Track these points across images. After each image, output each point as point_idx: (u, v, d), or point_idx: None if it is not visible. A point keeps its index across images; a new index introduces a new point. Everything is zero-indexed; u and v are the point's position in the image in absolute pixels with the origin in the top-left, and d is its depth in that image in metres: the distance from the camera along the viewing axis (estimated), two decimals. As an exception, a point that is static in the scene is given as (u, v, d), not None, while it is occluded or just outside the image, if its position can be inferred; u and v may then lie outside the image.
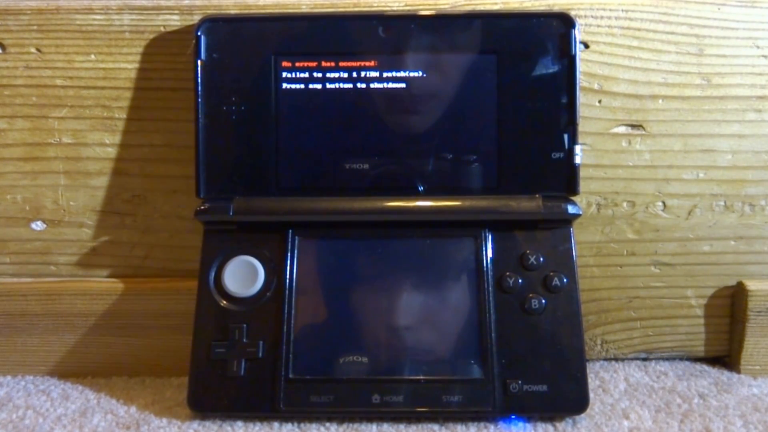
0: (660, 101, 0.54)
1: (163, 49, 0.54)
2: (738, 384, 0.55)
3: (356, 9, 0.54)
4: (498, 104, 0.51)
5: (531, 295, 0.50)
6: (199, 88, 0.52)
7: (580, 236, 0.56)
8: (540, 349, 0.49)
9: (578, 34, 0.51)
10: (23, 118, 0.55)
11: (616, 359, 0.58)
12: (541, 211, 0.50)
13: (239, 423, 0.49)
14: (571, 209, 0.50)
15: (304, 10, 0.54)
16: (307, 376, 0.49)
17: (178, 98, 0.54)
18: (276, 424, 0.48)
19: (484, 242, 0.51)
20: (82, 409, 0.51)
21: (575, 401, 0.48)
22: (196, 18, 0.53)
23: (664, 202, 0.56)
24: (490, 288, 0.50)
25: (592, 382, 0.54)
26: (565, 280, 0.50)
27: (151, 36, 0.54)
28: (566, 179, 0.51)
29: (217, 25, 0.52)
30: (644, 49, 0.54)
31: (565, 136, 0.51)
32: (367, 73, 0.52)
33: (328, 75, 0.52)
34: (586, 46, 0.54)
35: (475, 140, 0.52)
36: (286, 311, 0.50)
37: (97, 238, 0.57)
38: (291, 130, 0.52)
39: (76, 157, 0.56)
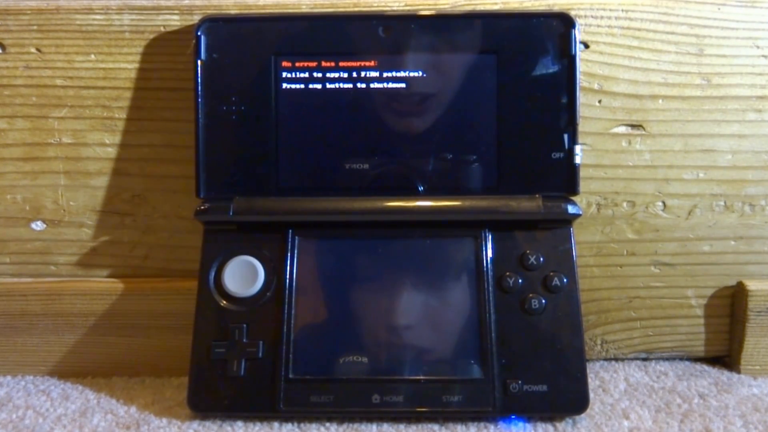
0: (660, 101, 0.55)
1: (163, 49, 0.54)
2: (738, 384, 0.55)
3: (356, 9, 0.54)
4: (498, 104, 0.51)
5: (531, 295, 0.50)
6: (199, 88, 0.52)
7: (580, 236, 0.56)
8: (540, 349, 0.49)
9: (578, 34, 0.51)
10: (23, 118, 0.55)
11: (616, 359, 0.58)
12: (541, 211, 0.50)
13: (239, 423, 0.49)
14: (571, 209, 0.50)
15: (304, 10, 0.54)
16: (307, 376, 0.49)
17: (178, 98, 0.54)
18: (276, 424, 0.48)
19: (484, 242, 0.51)
20: (82, 409, 0.51)
21: (575, 401, 0.48)
22: (196, 18, 0.53)
23: (664, 202, 0.56)
24: (490, 288, 0.50)
25: (592, 382, 0.54)
26: (565, 280, 0.50)
27: (151, 36, 0.54)
28: (566, 179, 0.51)
29: (217, 25, 0.52)
30: (644, 49, 0.54)
31: (565, 136, 0.51)
32: (367, 73, 0.52)
33: (328, 75, 0.52)
34: (586, 46, 0.54)
35: (475, 140, 0.52)
36: (286, 311, 0.50)
37: (97, 238, 0.57)
38: (291, 130, 0.52)
39: (76, 157, 0.56)
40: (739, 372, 0.56)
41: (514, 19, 0.52)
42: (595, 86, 0.54)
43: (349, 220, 0.51)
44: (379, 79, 0.52)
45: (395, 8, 0.54)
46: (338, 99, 0.52)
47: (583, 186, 0.52)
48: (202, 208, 0.51)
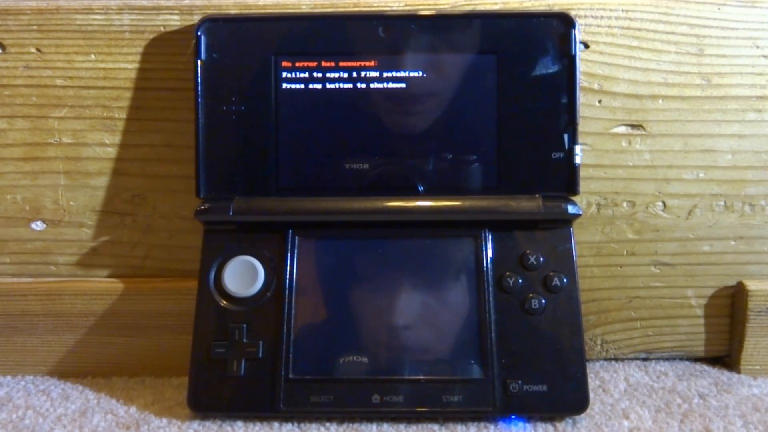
0: (660, 101, 0.55)
1: (163, 49, 0.54)
2: (738, 384, 0.55)
3: (356, 9, 0.54)
4: (498, 104, 0.51)
5: (531, 295, 0.50)
6: (199, 88, 0.52)
7: (580, 236, 0.56)
8: (540, 349, 0.49)
9: (578, 34, 0.51)
10: (23, 118, 0.55)
11: (616, 359, 0.58)
12: (541, 211, 0.50)
13: (239, 423, 0.49)
14: (571, 209, 0.50)
15: (304, 10, 0.54)
16: (307, 376, 0.49)
17: (178, 98, 0.54)
18: (276, 424, 0.48)
19: (484, 242, 0.51)
20: (82, 409, 0.51)
21: (575, 401, 0.48)
22: (196, 18, 0.53)
23: (664, 202, 0.56)
24: (490, 288, 0.50)
25: (592, 382, 0.54)
26: (565, 280, 0.50)
27: (151, 36, 0.54)
28: (566, 179, 0.51)
29: (217, 25, 0.52)
30: (644, 49, 0.54)
31: (565, 136, 0.51)
32: (367, 73, 0.52)
33: (328, 75, 0.52)
34: (586, 46, 0.54)
35: (475, 140, 0.52)
36: (286, 311, 0.50)
37: (97, 238, 0.57)
38: (291, 130, 0.52)
39: (76, 157, 0.56)
40: (739, 372, 0.56)
41: (514, 19, 0.52)
42: (595, 86, 0.54)
43: (349, 220, 0.51)
44: (379, 79, 0.52)
45: (395, 8, 0.54)
46: (338, 99, 0.52)
47: (583, 186, 0.52)
48: (202, 208, 0.51)
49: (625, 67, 0.54)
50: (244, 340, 0.49)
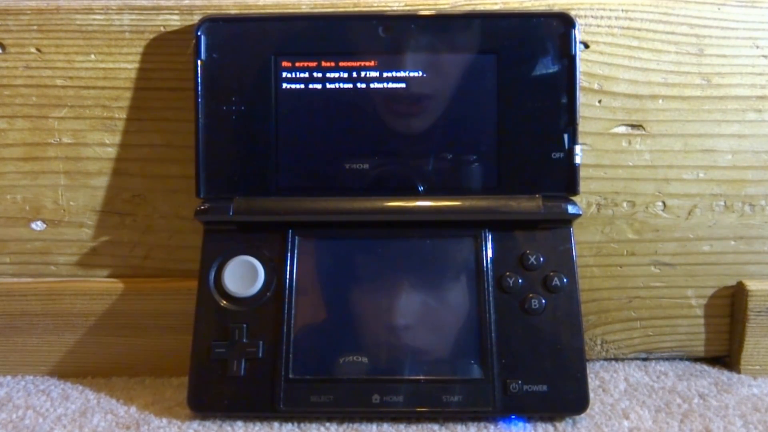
0: (660, 101, 0.55)
1: (163, 49, 0.54)
2: (738, 384, 0.55)
3: (356, 9, 0.54)
4: (498, 104, 0.51)
5: (531, 295, 0.50)
6: (199, 88, 0.52)
7: (580, 236, 0.56)
8: (540, 349, 0.49)
9: (578, 34, 0.51)
10: (23, 118, 0.55)
11: (616, 359, 0.58)
12: (541, 211, 0.50)
13: (239, 423, 0.49)
14: (571, 209, 0.50)
15: (304, 10, 0.54)
16: (307, 376, 0.49)
17: (178, 98, 0.54)
18: (276, 424, 0.48)
19: (484, 242, 0.51)
20: (82, 409, 0.51)
21: (575, 401, 0.48)
22: (196, 18, 0.53)
23: (664, 202, 0.56)
24: (490, 288, 0.50)
25: (592, 382, 0.54)
26: (565, 280, 0.50)
27: (151, 36, 0.54)
28: (566, 179, 0.51)
29: (217, 25, 0.52)
30: (644, 49, 0.54)
31: (565, 136, 0.51)
32: (367, 73, 0.52)
33: (328, 75, 0.52)
34: (586, 46, 0.54)
35: (475, 140, 0.52)
36: (286, 311, 0.50)
37: (97, 238, 0.57)
38: (291, 130, 0.52)
39: (76, 157, 0.56)
40: (739, 372, 0.56)
41: (514, 19, 0.52)
42: (595, 86, 0.54)
43: (349, 220, 0.51)
44: (379, 79, 0.52)
45: (395, 8, 0.54)
46: (338, 99, 0.52)
47: (583, 186, 0.52)
48: (202, 208, 0.51)
49: (625, 67, 0.54)
50: (244, 340, 0.49)
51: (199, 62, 0.52)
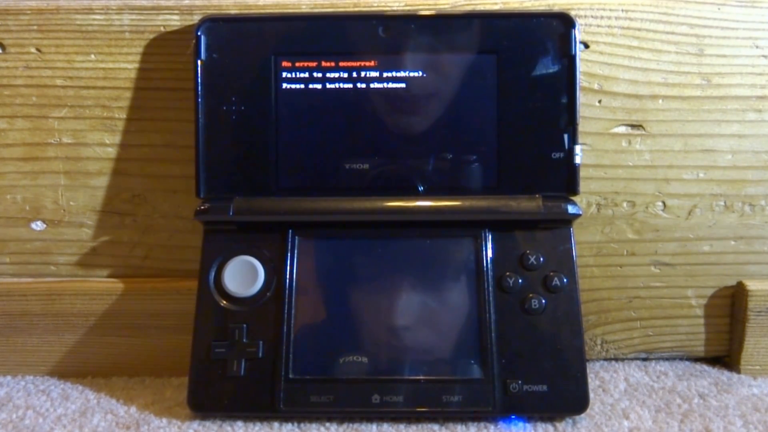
0: (660, 101, 0.55)
1: (163, 49, 0.54)
2: (738, 384, 0.55)
3: (356, 9, 0.54)
4: (498, 104, 0.51)
5: (531, 295, 0.50)
6: (199, 88, 0.52)
7: (580, 236, 0.56)
8: (540, 349, 0.49)
9: (578, 34, 0.51)
10: (23, 118, 0.55)
11: (616, 359, 0.58)
12: (541, 211, 0.50)
13: (239, 423, 0.49)
14: (571, 209, 0.50)
15: (304, 10, 0.54)
16: (307, 376, 0.49)
17: (178, 98, 0.54)
18: (276, 424, 0.48)
19: (484, 242, 0.51)
20: (82, 409, 0.51)
21: (575, 401, 0.48)
22: (196, 18, 0.53)
23: (664, 202, 0.56)
24: (490, 288, 0.50)
25: (592, 382, 0.54)
26: (565, 280, 0.50)
27: (151, 36, 0.54)
28: (566, 179, 0.51)
29: (217, 25, 0.52)
30: (644, 49, 0.54)
31: (565, 136, 0.51)
32: (367, 73, 0.52)
33: (328, 75, 0.52)
34: (586, 46, 0.54)
35: (475, 140, 0.52)
36: (286, 311, 0.50)
37: (97, 238, 0.57)
38: (291, 130, 0.52)
39: (76, 157, 0.56)
40: (739, 372, 0.56)
41: (514, 19, 0.52)
42: (595, 86, 0.54)
43: (349, 220, 0.51)
44: (379, 79, 0.52)
45: (395, 8, 0.54)
46: (338, 99, 0.52)
47: (583, 186, 0.52)
48: (202, 208, 0.51)
49: (625, 67, 0.54)
50: (244, 340, 0.49)
51: (199, 62, 0.52)
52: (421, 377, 0.48)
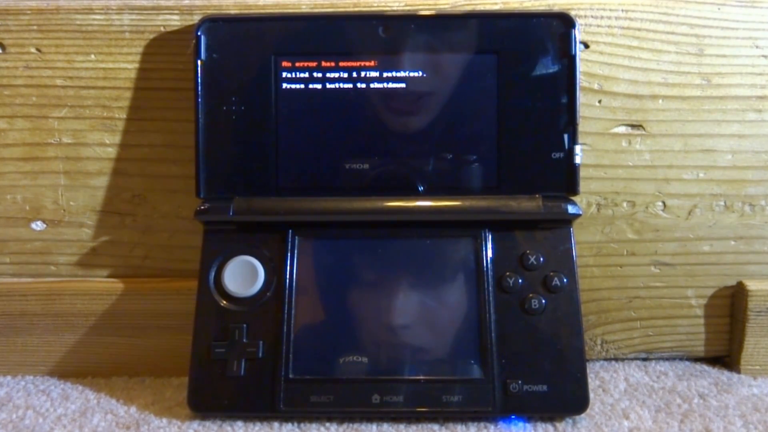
0: (660, 101, 0.55)
1: (163, 49, 0.54)
2: (738, 384, 0.55)
3: (356, 9, 0.54)
4: (498, 104, 0.51)
5: (531, 295, 0.50)
6: (199, 88, 0.52)
7: (580, 236, 0.56)
8: (540, 349, 0.49)
9: (578, 34, 0.51)
10: (23, 118, 0.55)
11: (616, 359, 0.58)
12: (541, 211, 0.50)
13: (239, 423, 0.49)
14: (571, 209, 0.50)
15: (304, 10, 0.54)
16: (307, 376, 0.49)
17: (178, 98, 0.54)
18: (276, 424, 0.48)
19: (484, 242, 0.51)
20: (82, 409, 0.51)
21: (575, 401, 0.48)
22: (196, 18, 0.53)
23: (664, 202, 0.56)
24: (490, 288, 0.50)
25: (592, 382, 0.54)
26: (565, 280, 0.50)
27: (151, 36, 0.54)
28: (566, 179, 0.51)
29: (217, 25, 0.52)
30: (644, 49, 0.54)
31: (565, 136, 0.51)
32: (367, 73, 0.52)
33: (328, 75, 0.52)
34: (586, 46, 0.54)
35: (475, 140, 0.52)
36: (286, 311, 0.50)
37: (97, 238, 0.57)
38: (291, 130, 0.52)
39: (76, 157, 0.56)
40: (739, 372, 0.56)
41: (514, 19, 0.52)
42: (595, 86, 0.54)
43: (349, 220, 0.51)
44: (379, 79, 0.52)
45: (395, 8, 0.54)
46: (338, 99, 0.52)
47: (583, 186, 0.52)
48: (202, 208, 0.51)
49: (625, 67, 0.54)
50: (244, 340, 0.49)
51: (199, 62, 0.52)
52: (421, 377, 0.48)
